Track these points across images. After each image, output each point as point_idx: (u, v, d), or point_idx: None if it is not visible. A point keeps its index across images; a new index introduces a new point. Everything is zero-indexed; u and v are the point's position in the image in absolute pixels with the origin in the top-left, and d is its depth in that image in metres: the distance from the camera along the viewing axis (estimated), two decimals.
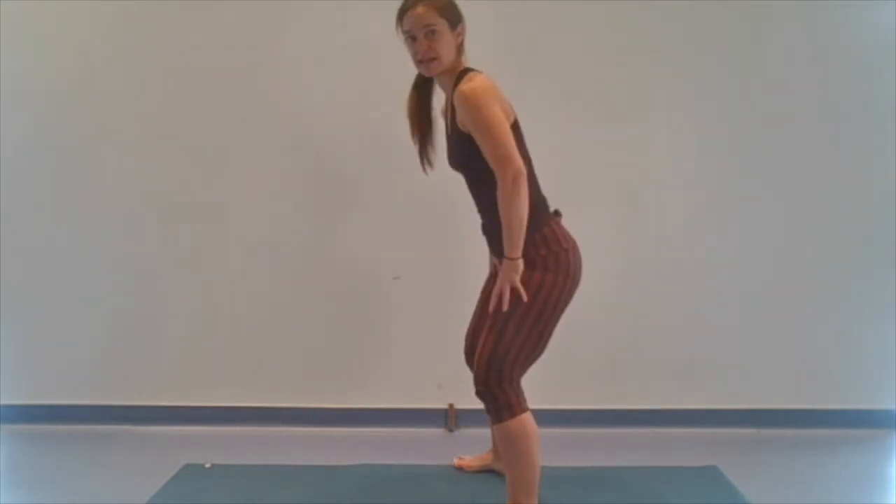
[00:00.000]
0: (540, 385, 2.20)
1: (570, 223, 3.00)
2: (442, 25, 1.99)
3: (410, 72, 2.19)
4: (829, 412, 3.06)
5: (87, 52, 3.01)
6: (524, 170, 1.91)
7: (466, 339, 2.36)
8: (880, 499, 2.51)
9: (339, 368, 3.12)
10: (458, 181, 2.96)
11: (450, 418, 3.08)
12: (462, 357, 2.38)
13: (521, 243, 1.93)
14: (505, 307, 1.96)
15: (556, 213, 2.18)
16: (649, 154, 3.02)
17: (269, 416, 3.10)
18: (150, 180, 3.05)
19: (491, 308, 1.99)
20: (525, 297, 1.95)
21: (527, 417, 2.01)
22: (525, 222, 1.92)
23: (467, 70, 2.04)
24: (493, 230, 2.07)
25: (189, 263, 3.09)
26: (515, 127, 2.04)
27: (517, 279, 1.95)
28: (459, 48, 2.07)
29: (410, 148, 2.36)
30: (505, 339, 1.99)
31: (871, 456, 2.84)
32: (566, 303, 2.07)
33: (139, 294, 3.10)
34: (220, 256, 3.08)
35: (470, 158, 2.00)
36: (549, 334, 2.06)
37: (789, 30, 2.96)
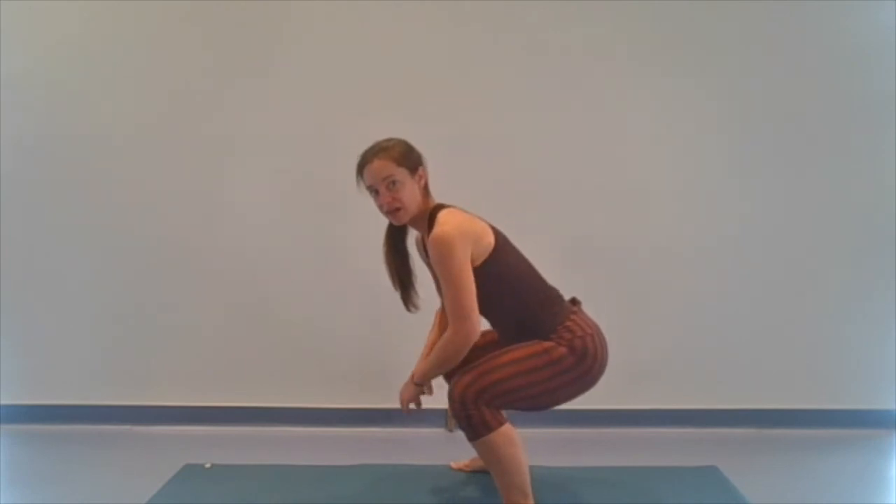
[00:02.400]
0: None
1: (570, 222, 3.01)
2: (401, 174, 2.02)
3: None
4: (829, 412, 3.06)
5: (87, 52, 3.01)
6: (477, 333, 1.96)
7: None
8: (880, 499, 2.51)
9: (339, 368, 3.12)
10: (459, 186, 2.97)
11: (450, 418, 3.08)
12: None
13: (431, 376, 2.10)
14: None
15: (574, 302, 2.18)
16: (650, 153, 3.02)
17: (269, 416, 3.10)
18: (150, 180, 3.05)
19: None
20: (405, 412, 2.15)
21: (504, 429, 1.97)
22: (446, 371, 2.06)
23: (439, 208, 2.06)
24: (507, 332, 2.10)
25: (189, 263, 3.09)
26: (500, 245, 2.04)
27: (404, 398, 2.14)
28: (424, 190, 2.09)
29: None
30: (501, 372, 1.96)
31: (871, 456, 2.84)
32: (584, 386, 2.05)
33: (139, 294, 3.11)
34: (221, 256, 3.08)
35: None
36: (546, 404, 2.04)
37: (789, 29, 2.97)
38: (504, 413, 2.01)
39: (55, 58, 3.01)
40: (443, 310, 2.32)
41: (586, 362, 2.01)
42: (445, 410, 3.10)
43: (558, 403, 2.06)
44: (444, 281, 1.96)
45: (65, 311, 3.11)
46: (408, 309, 2.24)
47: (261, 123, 3.02)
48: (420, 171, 2.07)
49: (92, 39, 3.01)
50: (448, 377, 2.21)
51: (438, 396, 3.02)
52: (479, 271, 1.98)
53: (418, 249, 2.29)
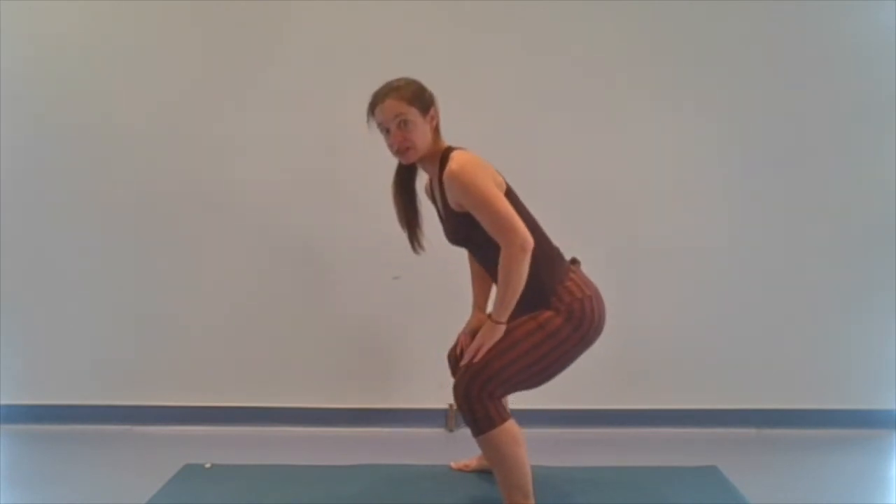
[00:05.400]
0: None
1: (569, 222, 3.00)
2: (413, 114, 1.99)
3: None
4: (829, 412, 3.06)
5: (87, 51, 3.01)
6: (531, 239, 1.91)
7: (458, 343, 2.30)
8: (880, 499, 2.51)
9: (339, 368, 3.12)
10: None
11: (450, 418, 3.08)
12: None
13: (510, 309, 1.95)
14: (477, 359, 1.96)
15: (574, 262, 2.17)
16: (651, 154, 3.02)
17: (269, 416, 3.10)
18: (149, 180, 3.05)
19: (463, 362, 2.01)
20: (477, 358, 1.97)
21: (508, 425, 1.98)
22: (520, 291, 1.93)
23: (450, 149, 2.04)
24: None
25: (189, 263, 3.09)
26: (509, 193, 2.03)
27: (491, 343, 1.97)
28: (435, 131, 2.07)
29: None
30: (502, 359, 1.97)
31: (871, 456, 2.84)
32: (582, 350, 2.04)
33: (139, 294, 3.10)
34: (221, 256, 3.08)
35: (470, 235, 2.01)
36: (549, 376, 2.04)
37: (789, 29, 2.97)
38: (508, 410, 2.01)
39: (55, 57, 3.01)
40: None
41: (583, 328, 2.00)
42: (445, 410, 3.10)
43: (559, 372, 2.05)
44: (477, 208, 1.92)
45: (65, 311, 3.11)
46: (414, 250, 2.21)
47: (261, 123, 3.02)
48: (432, 111, 2.04)
49: (91, 39, 3.01)
50: (454, 374, 2.22)
51: (437, 396, 3.05)
52: None
53: (427, 194, 2.26)
